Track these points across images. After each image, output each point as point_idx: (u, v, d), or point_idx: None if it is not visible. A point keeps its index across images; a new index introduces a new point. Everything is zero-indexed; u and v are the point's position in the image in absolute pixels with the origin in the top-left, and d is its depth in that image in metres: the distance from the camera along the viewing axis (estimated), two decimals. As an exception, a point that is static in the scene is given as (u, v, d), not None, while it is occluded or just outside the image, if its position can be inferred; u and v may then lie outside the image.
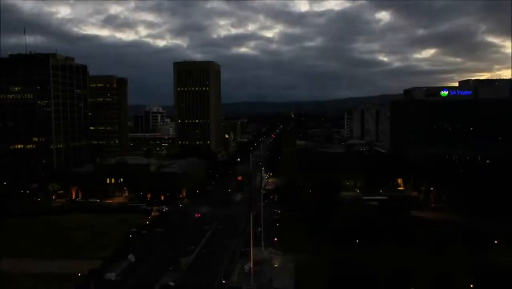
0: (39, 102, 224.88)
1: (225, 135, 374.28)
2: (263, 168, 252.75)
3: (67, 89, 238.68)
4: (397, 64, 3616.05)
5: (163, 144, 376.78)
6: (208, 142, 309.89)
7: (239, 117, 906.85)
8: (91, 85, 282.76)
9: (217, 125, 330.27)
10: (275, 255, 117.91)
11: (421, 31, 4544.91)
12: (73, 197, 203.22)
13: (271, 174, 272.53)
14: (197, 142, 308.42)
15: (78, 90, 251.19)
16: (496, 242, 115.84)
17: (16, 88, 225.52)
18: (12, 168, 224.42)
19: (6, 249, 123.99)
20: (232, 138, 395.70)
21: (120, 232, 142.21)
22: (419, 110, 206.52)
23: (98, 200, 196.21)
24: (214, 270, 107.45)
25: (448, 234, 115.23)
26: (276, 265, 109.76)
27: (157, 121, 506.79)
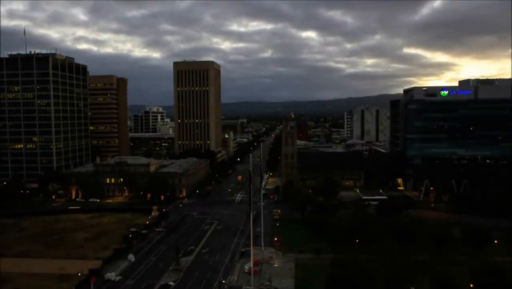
0: (39, 102, 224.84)
1: (225, 135, 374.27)
2: (263, 168, 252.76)
3: (67, 89, 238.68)
4: (350, 70, 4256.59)
5: (163, 144, 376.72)
6: (208, 142, 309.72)
7: (239, 117, 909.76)
8: (91, 85, 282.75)
9: (217, 125, 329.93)
10: (275, 255, 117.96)
11: (349, 46, 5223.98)
12: (73, 197, 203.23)
13: (271, 174, 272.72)
14: (197, 142, 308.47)
15: (78, 90, 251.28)
16: (496, 241, 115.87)
17: (16, 88, 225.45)
18: (12, 168, 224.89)
19: (6, 249, 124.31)
20: (232, 138, 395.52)
21: (120, 232, 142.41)
22: (418, 110, 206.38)
23: (98, 200, 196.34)
24: (214, 270, 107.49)
25: (448, 233, 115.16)
26: (276, 265, 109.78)
27: (157, 121, 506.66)
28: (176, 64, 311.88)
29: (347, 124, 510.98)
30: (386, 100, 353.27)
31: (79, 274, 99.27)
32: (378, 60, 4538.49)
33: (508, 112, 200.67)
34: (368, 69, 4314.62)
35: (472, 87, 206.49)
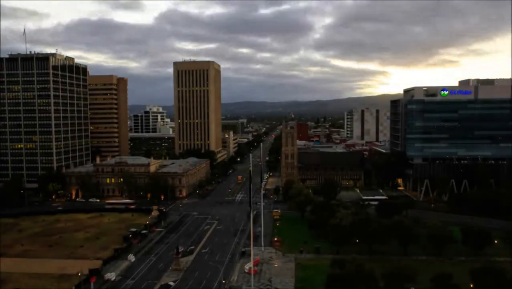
0: (39, 102, 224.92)
1: (225, 135, 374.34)
2: (263, 168, 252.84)
3: (67, 89, 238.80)
4: (312, 75, 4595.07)
5: (163, 144, 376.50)
6: (208, 142, 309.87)
7: (239, 117, 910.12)
8: (91, 85, 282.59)
9: (217, 125, 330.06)
10: (275, 255, 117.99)
11: (285, 59, 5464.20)
12: (73, 197, 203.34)
13: (271, 174, 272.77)
14: (197, 142, 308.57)
15: (78, 90, 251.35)
16: (496, 241, 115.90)
17: (16, 87, 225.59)
18: (12, 168, 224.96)
19: (6, 249, 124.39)
20: (232, 139, 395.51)
21: (120, 232, 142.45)
22: (418, 110, 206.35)
23: (98, 200, 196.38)
24: (214, 270, 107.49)
25: (448, 233, 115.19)
26: (276, 265, 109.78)
27: (157, 121, 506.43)
28: (176, 64, 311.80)
29: (347, 124, 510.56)
30: (386, 100, 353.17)
31: (79, 274, 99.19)
32: (320, 69, 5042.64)
33: (508, 112, 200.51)
34: (319, 75, 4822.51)
35: (472, 88, 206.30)
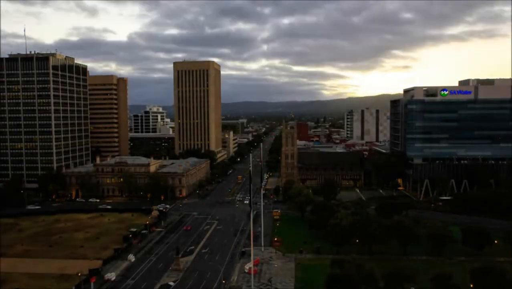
0: (39, 102, 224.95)
1: (225, 135, 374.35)
2: (263, 168, 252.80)
3: (67, 89, 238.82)
4: (284, 79, 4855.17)
5: (163, 144, 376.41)
6: (208, 142, 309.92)
7: (239, 117, 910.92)
8: (91, 85, 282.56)
9: (217, 125, 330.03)
10: (275, 255, 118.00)
11: (254, 67, 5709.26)
12: (73, 197, 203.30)
13: (271, 174, 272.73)
14: (197, 142, 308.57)
15: (78, 90, 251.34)
16: (496, 241, 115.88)
17: (16, 88, 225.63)
18: (12, 168, 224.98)
19: (6, 249, 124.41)
20: (232, 139, 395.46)
21: (120, 232, 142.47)
22: (418, 110, 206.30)
23: (98, 200, 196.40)
24: (214, 270, 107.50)
25: (448, 233, 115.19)
26: (276, 265, 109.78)
27: (157, 121, 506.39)
28: (176, 64, 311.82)
29: (347, 124, 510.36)
30: (386, 101, 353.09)
31: (79, 274, 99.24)
32: (288, 73, 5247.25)
33: (508, 112, 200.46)
34: (293, 79, 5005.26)
35: (472, 88, 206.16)
